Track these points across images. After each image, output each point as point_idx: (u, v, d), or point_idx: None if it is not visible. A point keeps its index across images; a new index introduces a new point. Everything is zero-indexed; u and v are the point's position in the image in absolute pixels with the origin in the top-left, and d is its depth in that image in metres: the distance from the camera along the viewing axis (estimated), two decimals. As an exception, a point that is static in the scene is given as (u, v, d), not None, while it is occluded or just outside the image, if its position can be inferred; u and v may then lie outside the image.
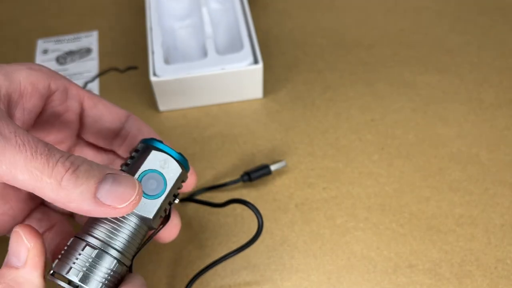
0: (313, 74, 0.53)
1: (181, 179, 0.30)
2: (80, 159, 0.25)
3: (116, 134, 0.34)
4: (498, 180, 0.45)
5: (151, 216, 0.28)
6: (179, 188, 0.30)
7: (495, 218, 0.42)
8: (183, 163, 0.30)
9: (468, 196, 0.44)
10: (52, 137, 0.33)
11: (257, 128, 0.49)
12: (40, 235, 0.27)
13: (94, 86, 0.53)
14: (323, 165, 0.46)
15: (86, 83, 0.53)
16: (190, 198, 0.43)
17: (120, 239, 0.28)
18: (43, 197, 0.24)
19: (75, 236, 0.27)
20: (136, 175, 0.28)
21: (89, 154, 0.36)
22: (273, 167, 0.44)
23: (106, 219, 0.28)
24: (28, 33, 0.58)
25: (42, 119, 0.32)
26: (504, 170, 0.45)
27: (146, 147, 0.29)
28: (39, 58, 0.56)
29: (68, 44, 0.57)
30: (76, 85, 0.32)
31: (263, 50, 0.54)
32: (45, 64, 0.55)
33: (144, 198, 0.28)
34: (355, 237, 0.42)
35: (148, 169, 0.28)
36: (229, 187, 0.44)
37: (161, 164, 0.29)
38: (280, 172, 0.45)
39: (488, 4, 0.59)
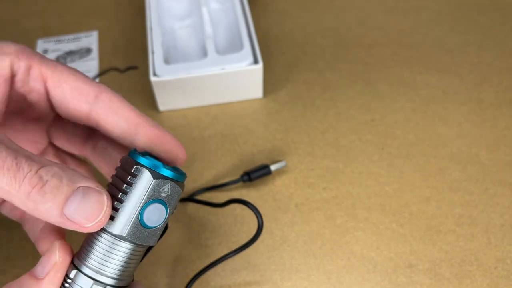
0: (313, 74, 0.53)
1: (180, 196, 0.28)
2: (51, 172, 0.24)
3: (86, 117, 0.31)
4: (498, 180, 0.45)
5: (153, 244, 0.27)
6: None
7: (495, 218, 0.42)
8: (180, 178, 0.28)
9: (468, 196, 0.44)
10: (23, 134, 0.32)
11: (257, 128, 0.49)
12: (72, 254, 0.27)
13: (94, 86, 0.53)
14: (323, 165, 0.46)
15: (86, 83, 0.53)
16: (190, 198, 0.43)
17: (120, 268, 0.27)
18: (9, 200, 0.24)
19: (72, 263, 0.27)
20: (138, 210, 0.26)
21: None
22: (273, 167, 0.44)
23: (103, 246, 0.26)
24: (28, 33, 0.58)
25: (11, 109, 0.30)
26: (504, 170, 0.45)
27: (144, 173, 0.26)
28: (39, 58, 0.56)
29: (68, 44, 0.57)
30: (41, 64, 0.29)
31: (263, 50, 0.54)
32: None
33: (147, 229, 0.27)
34: (355, 237, 0.42)
35: (150, 201, 0.26)
36: (229, 187, 0.44)
37: (162, 191, 0.27)
38: (280, 172, 0.45)
39: (488, 4, 0.59)
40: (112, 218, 0.26)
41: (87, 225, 0.24)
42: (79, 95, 0.30)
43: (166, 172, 0.27)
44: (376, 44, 0.56)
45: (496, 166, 0.45)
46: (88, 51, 0.56)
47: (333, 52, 0.55)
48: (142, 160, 0.26)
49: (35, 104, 0.31)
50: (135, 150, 0.27)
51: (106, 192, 0.25)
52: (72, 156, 0.36)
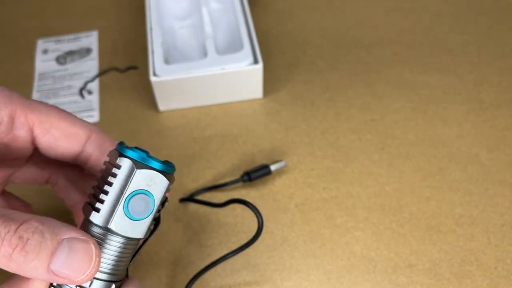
0: (313, 74, 0.53)
1: (169, 188, 0.28)
2: (31, 229, 0.23)
3: (75, 157, 0.30)
4: (498, 180, 0.45)
5: (141, 236, 0.27)
6: (168, 191, 0.28)
7: (495, 218, 0.42)
8: (168, 170, 0.27)
9: (468, 196, 0.44)
10: (2, 172, 0.31)
11: (257, 128, 0.49)
12: None
13: (94, 86, 0.53)
14: (323, 165, 0.46)
15: (86, 83, 0.53)
16: (190, 198, 0.43)
17: (111, 262, 0.26)
18: None
19: None
20: (122, 200, 0.26)
21: (37, 172, 0.34)
22: (273, 167, 0.44)
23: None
24: (28, 33, 0.58)
25: None
26: (504, 170, 0.45)
27: (128, 163, 0.26)
28: (39, 58, 0.56)
29: (68, 44, 0.57)
30: (25, 109, 0.28)
31: (263, 50, 0.54)
32: (45, 64, 0.55)
33: (133, 220, 0.26)
34: (355, 237, 0.42)
35: (134, 191, 0.26)
36: (229, 187, 0.44)
37: (147, 182, 0.26)
38: (280, 172, 0.45)
39: (488, 4, 0.59)
40: (97, 210, 0.26)
41: (78, 279, 0.24)
42: (70, 139, 0.29)
43: (152, 163, 0.26)
44: (376, 44, 0.56)
45: (496, 166, 0.45)
46: (88, 51, 0.56)
47: (333, 52, 0.55)
48: (127, 151, 0.26)
49: (17, 151, 0.29)
50: (122, 143, 0.27)
51: (93, 240, 0.25)
52: (18, 199, 0.35)
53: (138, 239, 0.27)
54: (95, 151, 0.30)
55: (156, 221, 0.29)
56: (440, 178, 0.45)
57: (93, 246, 0.24)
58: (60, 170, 0.35)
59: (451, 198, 0.44)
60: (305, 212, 0.43)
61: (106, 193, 0.26)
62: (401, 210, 0.43)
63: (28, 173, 0.34)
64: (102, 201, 0.26)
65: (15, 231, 0.22)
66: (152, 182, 0.26)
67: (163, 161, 0.27)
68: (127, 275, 0.29)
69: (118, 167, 0.26)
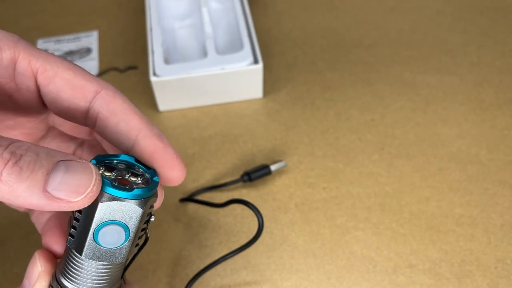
0: (313, 74, 0.53)
1: (146, 212, 0.25)
2: (24, 147, 0.20)
3: (84, 116, 0.27)
4: (498, 180, 0.45)
5: (121, 261, 0.25)
6: (150, 211, 0.26)
7: (495, 218, 0.42)
8: (142, 195, 0.24)
9: (468, 196, 0.44)
10: (16, 129, 0.28)
11: (257, 128, 0.49)
12: (55, 260, 0.26)
13: (94, 86, 0.53)
14: (323, 165, 0.46)
15: (86, 83, 0.53)
16: (190, 198, 0.43)
17: (96, 284, 0.26)
18: None
19: (54, 273, 0.26)
20: (91, 231, 0.23)
21: (62, 146, 0.30)
22: (273, 167, 0.44)
23: (73, 261, 0.25)
24: (28, 33, 0.58)
25: None
26: (504, 170, 0.45)
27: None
28: (39, 58, 0.56)
29: (68, 44, 0.57)
30: (29, 55, 0.25)
31: (263, 50, 0.54)
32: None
33: (108, 248, 0.24)
34: (355, 237, 0.42)
35: (101, 224, 0.23)
36: (229, 187, 0.44)
37: (115, 214, 0.23)
38: (280, 172, 0.45)
39: (488, 4, 0.59)
40: (72, 236, 0.24)
41: (76, 199, 0.21)
42: (76, 91, 0.26)
43: (119, 193, 0.23)
44: (376, 44, 0.56)
45: (496, 166, 0.45)
46: (88, 51, 0.56)
47: (333, 52, 0.55)
48: None
49: (24, 103, 0.27)
50: (98, 157, 0.24)
51: (92, 164, 0.22)
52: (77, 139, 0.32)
53: (119, 263, 0.26)
54: (102, 108, 0.26)
55: (145, 237, 0.27)
56: (440, 178, 0.45)
57: (91, 165, 0.22)
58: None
59: (451, 198, 0.44)
60: (305, 212, 0.43)
61: (77, 220, 0.24)
62: (401, 210, 0.43)
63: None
64: (75, 228, 0.24)
65: (7, 147, 0.20)
66: (121, 213, 0.23)
67: (140, 184, 0.25)
68: (124, 281, 0.28)
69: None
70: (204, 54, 0.50)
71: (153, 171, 0.26)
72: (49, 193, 0.20)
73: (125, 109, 0.27)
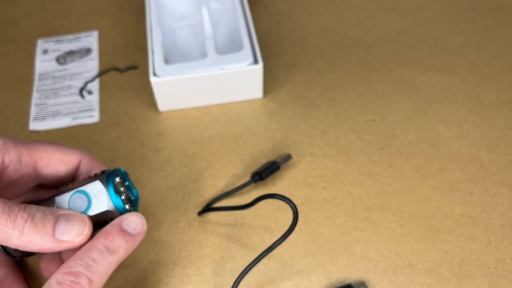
0: (313, 74, 0.53)
1: (109, 216, 0.32)
2: (34, 209, 0.29)
3: (71, 179, 0.37)
4: (498, 180, 0.45)
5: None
6: (111, 216, 0.32)
7: (495, 218, 0.42)
8: (119, 207, 0.32)
9: (468, 196, 0.44)
10: (9, 195, 0.35)
11: (257, 128, 0.49)
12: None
13: (94, 86, 0.53)
14: (323, 165, 0.46)
15: (86, 83, 0.53)
16: (208, 208, 0.43)
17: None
18: (8, 245, 0.29)
19: None
20: (71, 192, 0.32)
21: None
22: (280, 161, 0.45)
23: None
24: (28, 33, 0.58)
25: None
26: (504, 170, 0.45)
27: (102, 175, 0.32)
28: (39, 58, 0.56)
29: (68, 44, 0.57)
30: (28, 148, 0.34)
31: (263, 50, 0.54)
32: (45, 64, 0.55)
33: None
34: (355, 237, 0.42)
35: (81, 190, 0.32)
36: (241, 190, 0.44)
37: (94, 194, 0.32)
38: (280, 172, 0.45)
39: (488, 4, 0.59)
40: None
41: (78, 239, 0.30)
42: (66, 165, 0.35)
43: (113, 198, 0.32)
44: (376, 44, 0.56)
45: (496, 166, 0.46)
46: (88, 51, 0.56)
47: (333, 52, 0.55)
48: (114, 172, 0.33)
49: (22, 187, 0.35)
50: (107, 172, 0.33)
51: (84, 214, 0.31)
52: None
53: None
54: (85, 172, 0.36)
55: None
56: (440, 178, 0.45)
57: (84, 216, 0.31)
58: None
59: (451, 198, 0.44)
60: (305, 212, 0.43)
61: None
62: (401, 210, 0.43)
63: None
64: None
65: (24, 209, 0.29)
66: (97, 196, 0.32)
67: (127, 196, 0.33)
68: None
69: (96, 174, 0.33)
70: (204, 54, 0.50)
71: (136, 192, 0.34)
72: (57, 238, 0.29)
73: (101, 168, 0.37)
